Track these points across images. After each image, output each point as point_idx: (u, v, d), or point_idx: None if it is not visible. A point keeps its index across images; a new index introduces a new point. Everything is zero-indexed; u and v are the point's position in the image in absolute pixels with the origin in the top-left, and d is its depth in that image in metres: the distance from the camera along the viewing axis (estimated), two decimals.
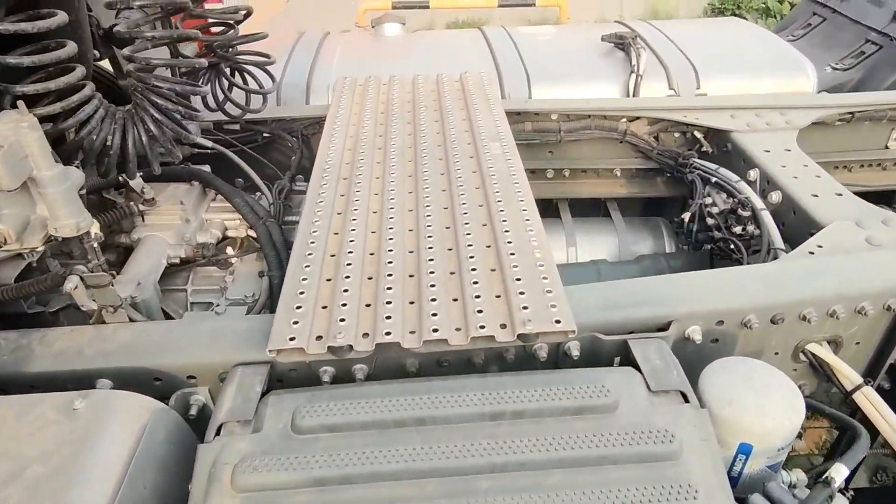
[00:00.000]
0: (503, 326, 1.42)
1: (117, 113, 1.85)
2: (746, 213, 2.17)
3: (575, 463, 1.22)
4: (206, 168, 2.37)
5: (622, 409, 1.31)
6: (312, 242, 1.72)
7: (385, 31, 3.85)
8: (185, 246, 2.12)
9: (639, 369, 1.42)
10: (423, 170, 2.03)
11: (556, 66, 3.30)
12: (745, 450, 1.41)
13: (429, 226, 1.76)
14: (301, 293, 1.54)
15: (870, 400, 1.62)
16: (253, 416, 1.33)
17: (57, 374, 1.51)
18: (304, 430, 1.28)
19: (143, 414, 1.33)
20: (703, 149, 2.65)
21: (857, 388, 1.64)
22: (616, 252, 2.65)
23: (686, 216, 2.39)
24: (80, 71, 1.64)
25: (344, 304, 1.50)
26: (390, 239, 1.72)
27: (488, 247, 1.67)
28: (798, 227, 2.06)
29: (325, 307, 1.51)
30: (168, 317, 2.01)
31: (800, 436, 1.52)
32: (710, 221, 2.30)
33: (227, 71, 2.47)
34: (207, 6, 2.54)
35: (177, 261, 2.11)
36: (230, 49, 2.42)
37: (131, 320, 1.67)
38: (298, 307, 1.50)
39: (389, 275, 1.59)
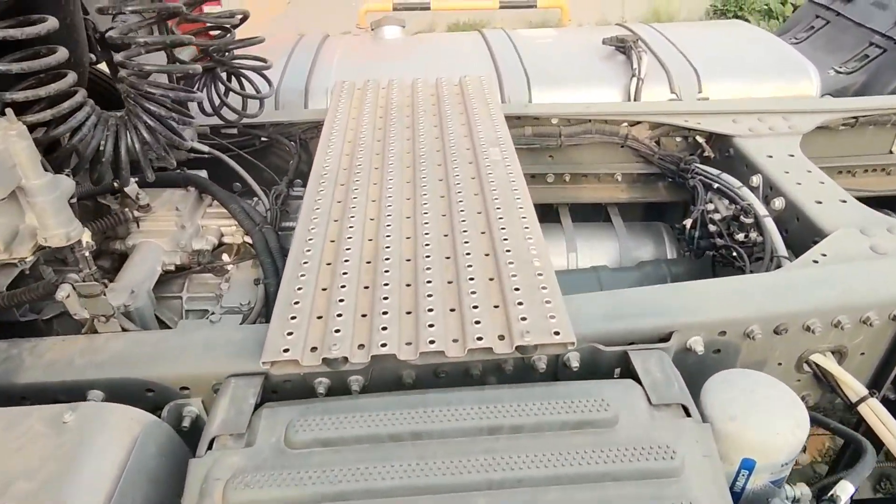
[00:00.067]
0: (501, 338, 1.40)
1: (110, 119, 1.82)
2: (749, 220, 2.13)
3: (573, 480, 1.19)
4: (203, 173, 2.35)
5: (622, 423, 1.29)
6: (308, 251, 1.69)
7: (385, 33, 3.83)
8: (181, 253, 2.10)
9: (639, 381, 1.39)
10: (422, 176, 2.00)
11: (556, 69, 3.28)
12: (748, 465, 1.38)
13: (426, 233, 1.74)
14: (296, 303, 1.52)
15: (875, 412, 1.60)
16: (246, 429, 1.31)
17: (48, 385, 1.49)
18: (298, 445, 1.26)
19: (133, 427, 1.31)
20: (705, 154, 2.62)
21: (862, 399, 1.62)
22: (617, 257, 2.62)
23: (688, 223, 2.36)
24: (71, 77, 1.62)
25: (339, 315, 1.47)
26: (387, 247, 1.69)
27: (487, 255, 1.64)
28: (802, 234, 2.04)
29: (320, 317, 1.48)
30: (163, 324, 1.99)
31: (804, 449, 1.49)
32: (712, 228, 2.27)
33: (224, 76, 2.45)
34: (206, 9, 2.51)
35: (172, 268, 2.08)
36: (226, 53, 2.40)
37: (124, 330, 1.65)
38: (293, 317, 1.47)
39: (386, 284, 1.56)
